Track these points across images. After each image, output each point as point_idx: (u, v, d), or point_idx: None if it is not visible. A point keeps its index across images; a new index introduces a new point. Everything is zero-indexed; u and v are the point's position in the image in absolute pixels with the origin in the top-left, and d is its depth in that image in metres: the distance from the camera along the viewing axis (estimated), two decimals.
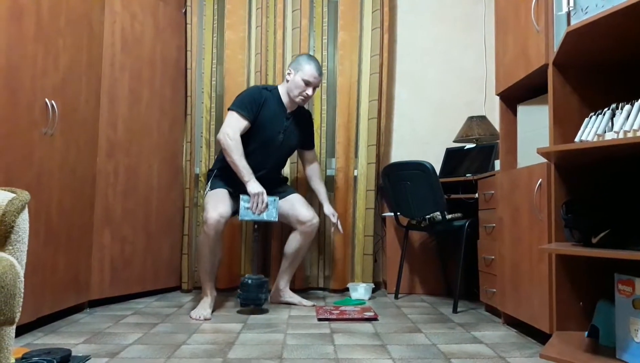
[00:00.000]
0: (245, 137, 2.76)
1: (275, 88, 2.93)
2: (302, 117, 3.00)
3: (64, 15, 2.42)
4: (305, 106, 3.11)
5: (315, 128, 3.46)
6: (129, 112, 2.98)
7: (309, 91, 2.83)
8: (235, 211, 2.84)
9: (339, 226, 2.99)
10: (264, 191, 2.70)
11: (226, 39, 3.50)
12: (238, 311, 2.73)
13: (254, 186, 2.68)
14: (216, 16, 3.55)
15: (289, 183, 3.09)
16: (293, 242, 2.91)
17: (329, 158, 3.57)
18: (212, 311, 2.68)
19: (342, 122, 3.46)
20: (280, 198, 2.90)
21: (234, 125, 2.72)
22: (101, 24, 2.80)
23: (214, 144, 3.48)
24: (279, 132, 2.87)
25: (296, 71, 2.84)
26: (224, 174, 2.84)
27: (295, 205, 2.90)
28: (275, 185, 2.96)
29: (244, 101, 2.79)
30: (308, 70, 2.81)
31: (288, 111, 2.91)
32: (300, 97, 2.84)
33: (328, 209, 3.02)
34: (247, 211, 2.69)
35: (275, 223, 3.30)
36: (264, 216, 2.71)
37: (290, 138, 2.93)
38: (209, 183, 2.89)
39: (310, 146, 3.10)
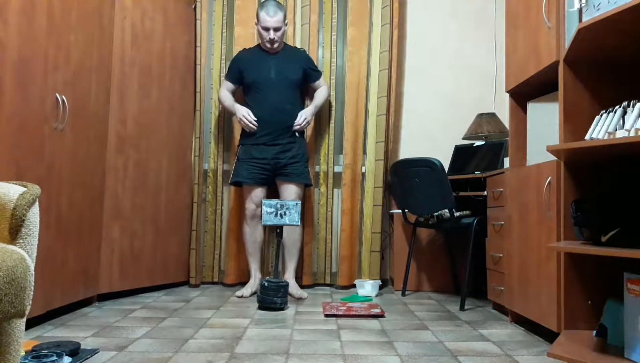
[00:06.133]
0: (247, 90, 3.19)
1: (257, 44, 3.28)
2: (293, 54, 3.25)
3: (75, 11, 2.43)
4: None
5: (323, 124, 3.47)
6: (138, 107, 3.00)
7: (271, 35, 3.07)
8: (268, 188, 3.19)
9: (301, 123, 3.13)
10: (248, 110, 3.09)
11: (235, 34, 3.50)
12: (258, 308, 2.75)
13: (239, 109, 3.12)
14: (226, 12, 3.56)
15: (304, 141, 3.25)
16: (284, 230, 3.11)
17: (337, 154, 3.57)
18: (253, 292, 3.06)
19: (351, 118, 3.46)
20: (285, 180, 3.13)
21: (221, 89, 3.27)
22: (111, 20, 2.81)
23: (222, 140, 3.50)
24: (269, 69, 3.14)
25: (256, 22, 3.14)
26: (245, 147, 3.17)
27: (287, 192, 3.14)
28: (286, 131, 3.12)
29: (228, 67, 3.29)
30: (261, 17, 3.07)
31: (271, 53, 3.17)
32: (267, 43, 3.11)
33: (304, 110, 3.17)
34: (269, 215, 2.80)
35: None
36: (286, 221, 2.79)
37: (285, 70, 3.16)
38: (234, 167, 3.22)
39: (314, 78, 3.29)
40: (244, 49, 3.29)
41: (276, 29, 3.06)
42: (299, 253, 3.21)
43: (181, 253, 3.35)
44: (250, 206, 3.12)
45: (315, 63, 3.44)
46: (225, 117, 3.51)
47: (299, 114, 3.14)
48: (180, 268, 3.35)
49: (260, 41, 3.19)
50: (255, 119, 3.08)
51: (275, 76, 3.13)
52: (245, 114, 3.07)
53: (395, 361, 1.79)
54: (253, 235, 3.15)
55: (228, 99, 3.21)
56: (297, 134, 3.16)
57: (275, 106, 3.11)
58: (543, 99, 2.29)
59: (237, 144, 3.33)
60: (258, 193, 3.12)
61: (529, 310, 2.17)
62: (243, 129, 3.19)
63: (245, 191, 3.16)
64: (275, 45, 3.12)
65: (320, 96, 3.26)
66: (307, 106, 3.34)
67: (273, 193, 3.24)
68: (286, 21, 3.14)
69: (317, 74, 3.29)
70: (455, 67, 3.69)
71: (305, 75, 3.23)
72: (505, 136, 3.28)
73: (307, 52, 3.41)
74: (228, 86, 3.25)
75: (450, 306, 2.85)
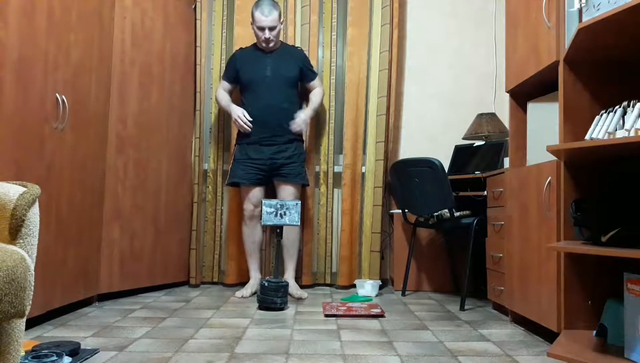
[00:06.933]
0: (243, 89, 3.19)
1: (253, 43, 3.27)
2: (290, 52, 3.24)
3: (75, 11, 2.43)
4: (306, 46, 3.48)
5: (323, 124, 3.47)
6: (138, 107, 3.00)
7: (267, 34, 3.06)
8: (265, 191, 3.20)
9: (300, 126, 3.11)
10: (243, 111, 3.09)
11: (235, 34, 3.50)
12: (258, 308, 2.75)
13: (234, 110, 3.12)
14: (226, 12, 3.56)
15: (300, 141, 3.23)
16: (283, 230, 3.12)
17: (337, 154, 3.57)
18: (253, 292, 3.06)
19: (351, 118, 3.46)
20: (282, 181, 3.11)
21: (219, 89, 3.28)
22: (112, 20, 2.81)
23: (222, 140, 3.50)
24: (265, 68, 3.13)
25: (251, 22, 3.11)
26: (241, 147, 3.17)
27: (285, 193, 3.12)
28: (282, 131, 3.10)
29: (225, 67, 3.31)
30: (256, 17, 3.06)
31: (267, 52, 3.17)
32: (263, 43, 3.11)
33: (302, 112, 3.16)
34: (269, 216, 2.81)
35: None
36: (286, 221, 2.79)
37: (280, 68, 3.15)
38: (231, 168, 3.22)
39: (309, 78, 3.27)
40: (241, 48, 3.29)
41: (271, 28, 3.05)
42: (298, 253, 3.21)
43: (181, 253, 3.35)
44: (248, 206, 3.12)
45: (315, 63, 3.44)
46: (225, 117, 3.51)
47: (297, 115, 3.12)
48: (180, 268, 3.35)
49: (256, 40, 3.18)
50: (251, 119, 3.07)
51: (271, 75, 3.12)
52: (240, 115, 3.07)
53: (395, 361, 1.79)
54: (252, 236, 3.15)
55: (224, 99, 3.21)
56: (295, 135, 3.15)
57: (271, 104, 3.10)
58: (543, 99, 2.29)
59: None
60: (256, 193, 3.12)
61: (529, 310, 2.17)
62: (237, 138, 3.20)
63: (242, 192, 3.16)
64: (271, 44, 3.11)
65: (316, 98, 3.24)
66: (303, 106, 3.33)
67: (272, 192, 3.24)
68: (282, 20, 3.13)
69: (312, 74, 3.27)
70: (455, 67, 3.69)
71: (301, 73, 3.21)
72: (505, 136, 3.28)
73: (307, 52, 3.41)
74: (225, 85, 3.25)
75: (450, 306, 2.85)
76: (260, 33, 3.07)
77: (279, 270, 3.01)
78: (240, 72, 3.16)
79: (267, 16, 3.02)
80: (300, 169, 3.15)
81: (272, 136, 3.09)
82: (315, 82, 3.28)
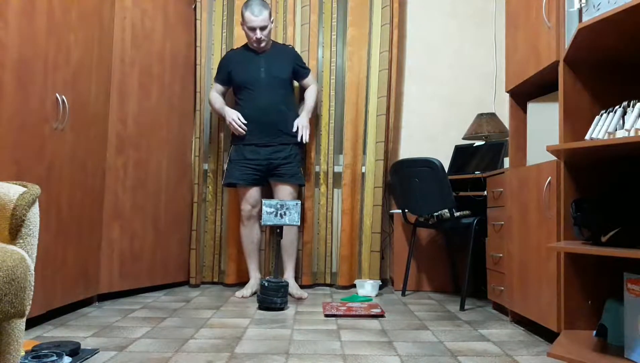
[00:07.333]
0: (237, 90, 3.17)
1: (244, 44, 3.24)
2: (282, 52, 3.22)
3: (75, 11, 2.43)
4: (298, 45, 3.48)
5: (323, 124, 3.47)
6: (138, 107, 3.00)
7: (258, 34, 3.04)
8: (263, 191, 3.19)
9: (303, 135, 3.11)
10: (238, 114, 3.08)
11: (236, 35, 3.50)
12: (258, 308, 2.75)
13: (229, 113, 3.11)
14: (226, 12, 3.56)
15: (297, 142, 3.17)
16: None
17: (337, 154, 3.57)
18: (253, 292, 3.07)
19: (351, 118, 3.46)
20: (279, 181, 3.11)
21: (212, 91, 3.28)
22: (112, 20, 2.81)
23: (222, 140, 3.50)
24: (258, 68, 3.11)
25: (242, 23, 3.09)
26: (237, 148, 3.16)
27: (282, 193, 3.12)
28: (278, 132, 3.10)
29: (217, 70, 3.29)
30: (246, 17, 3.04)
31: (259, 52, 3.15)
32: (255, 43, 3.08)
33: (299, 119, 3.15)
34: (269, 216, 2.81)
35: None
36: (286, 221, 2.79)
37: (274, 69, 3.13)
38: (227, 168, 3.20)
39: (303, 75, 3.27)
40: (232, 50, 3.28)
41: (262, 28, 3.03)
42: (296, 253, 3.21)
43: (181, 253, 3.35)
44: (245, 207, 3.12)
45: (315, 63, 3.44)
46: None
47: (295, 123, 3.10)
48: (180, 268, 3.35)
49: (247, 41, 3.16)
50: (245, 122, 3.07)
51: (265, 76, 3.10)
52: (234, 118, 3.06)
53: (395, 361, 1.79)
54: (250, 236, 3.15)
55: (218, 102, 3.21)
56: (291, 135, 3.12)
57: (267, 106, 3.09)
58: (543, 99, 2.29)
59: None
60: (253, 193, 3.12)
61: (529, 310, 2.17)
62: (232, 141, 3.20)
63: (240, 193, 3.16)
64: (262, 44, 3.09)
65: (310, 100, 3.23)
66: (301, 106, 3.32)
67: (268, 192, 3.24)
68: (272, 19, 3.11)
69: (306, 71, 3.27)
70: (455, 67, 3.69)
71: (294, 72, 3.21)
72: (505, 136, 3.28)
73: (307, 52, 3.41)
74: (218, 88, 3.25)
75: (450, 306, 2.85)
76: (251, 33, 3.05)
77: (278, 270, 3.00)
78: (233, 73, 3.15)
79: (257, 16, 3.00)
80: (297, 169, 3.15)
81: (268, 136, 3.09)
82: (309, 79, 3.28)
